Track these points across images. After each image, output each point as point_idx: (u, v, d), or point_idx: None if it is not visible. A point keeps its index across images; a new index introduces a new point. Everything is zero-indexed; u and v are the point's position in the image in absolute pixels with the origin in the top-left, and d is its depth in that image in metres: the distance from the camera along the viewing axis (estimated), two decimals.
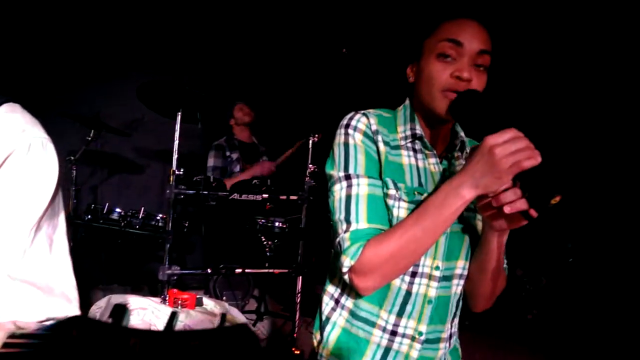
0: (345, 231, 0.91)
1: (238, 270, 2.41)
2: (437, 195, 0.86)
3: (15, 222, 0.80)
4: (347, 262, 0.89)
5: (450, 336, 1.04)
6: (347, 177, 0.95)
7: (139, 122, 3.75)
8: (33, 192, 0.82)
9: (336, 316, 1.04)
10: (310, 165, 2.53)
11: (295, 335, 2.47)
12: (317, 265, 3.21)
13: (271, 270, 2.57)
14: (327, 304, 1.07)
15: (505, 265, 1.03)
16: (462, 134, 1.05)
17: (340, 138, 0.99)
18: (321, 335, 1.06)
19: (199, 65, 4.00)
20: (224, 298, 2.74)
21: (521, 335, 3.51)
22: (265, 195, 2.53)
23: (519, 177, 0.78)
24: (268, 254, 2.95)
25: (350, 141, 0.97)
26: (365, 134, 0.97)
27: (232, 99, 3.71)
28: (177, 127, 2.35)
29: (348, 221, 0.92)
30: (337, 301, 1.05)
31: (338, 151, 0.98)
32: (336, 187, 0.96)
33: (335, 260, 0.95)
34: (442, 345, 1.01)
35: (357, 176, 0.94)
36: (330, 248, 1.02)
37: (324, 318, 1.06)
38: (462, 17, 0.95)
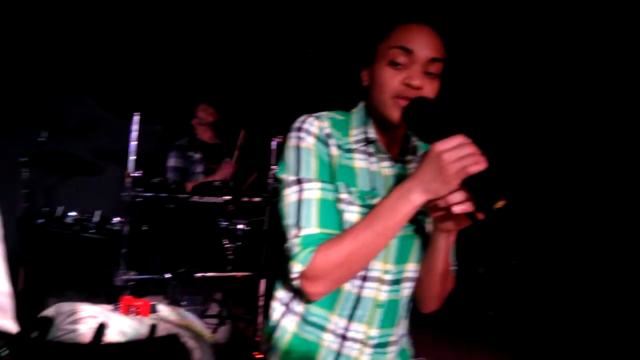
0: (296, 236, 0.90)
1: (198, 275, 2.36)
2: (387, 200, 0.86)
3: None
4: (297, 267, 0.88)
5: (400, 338, 1.04)
6: (299, 182, 0.94)
7: (97, 122, 3.61)
8: None
9: (286, 322, 1.02)
10: (273, 167, 2.51)
11: (257, 339, 2.44)
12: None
13: (234, 274, 2.53)
14: (276, 309, 1.05)
15: (454, 267, 1.05)
16: (415, 138, 1.05)
17: (292, 142, 0.97)
18: (272, 341, 1.04)
19: (159, 65, 3.89)
20: (185, 303, 2.67)
21: (482, 332, 3.59)
22: (227, 197, 2.49)
23: (466, 182, 0.79)
24: (230, 257, 2.90)
25: (302, 145, 0.96)
26: (317, 138, 0.96)
27: (194, 100, 3.63)
28: (134, 128, 2.28)
29: (299, 226, 0.91)
30: (287, 306, 1.03)
31: (290, 155, 0.96)
32: (287, 192, 0.95)
33: (285, 265, 0.94)
34: (391, 348, 1.01)
35: (309, 180, 0.93)
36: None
37: (274, 324, 1.05)
38: (414, 21, 0.95)
